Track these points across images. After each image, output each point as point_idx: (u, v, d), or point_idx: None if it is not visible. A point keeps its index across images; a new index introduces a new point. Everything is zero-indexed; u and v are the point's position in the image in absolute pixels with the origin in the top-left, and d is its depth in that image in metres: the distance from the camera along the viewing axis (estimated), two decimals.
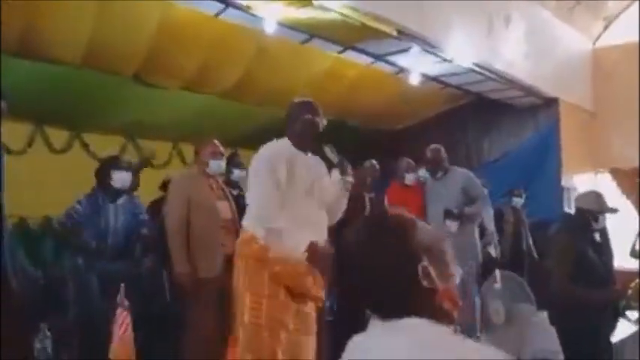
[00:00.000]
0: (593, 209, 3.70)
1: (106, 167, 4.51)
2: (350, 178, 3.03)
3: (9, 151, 6.45)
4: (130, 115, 6.89)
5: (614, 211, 3.89)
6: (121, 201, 4.45)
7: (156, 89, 6.32)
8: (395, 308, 1.16)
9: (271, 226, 2.83)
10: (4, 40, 4.84)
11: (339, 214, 3.14)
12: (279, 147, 2.99)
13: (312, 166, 3.04)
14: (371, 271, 1.19)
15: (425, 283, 1.16)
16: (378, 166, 5.17)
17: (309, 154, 3.05)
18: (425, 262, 1.17)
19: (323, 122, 3.05)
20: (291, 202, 2.87)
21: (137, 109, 6.74)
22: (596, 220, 3.69)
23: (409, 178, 5.38)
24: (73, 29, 5.03)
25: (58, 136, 6.89)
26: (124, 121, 7.01)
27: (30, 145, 6.65)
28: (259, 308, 2.79)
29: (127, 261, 4.38)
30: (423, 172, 5.56)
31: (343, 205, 3.12)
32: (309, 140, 3.01)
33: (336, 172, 2.99)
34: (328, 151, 2.98)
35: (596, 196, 3.88)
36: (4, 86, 5.20)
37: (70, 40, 5.15)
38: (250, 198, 2.96)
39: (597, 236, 3.85)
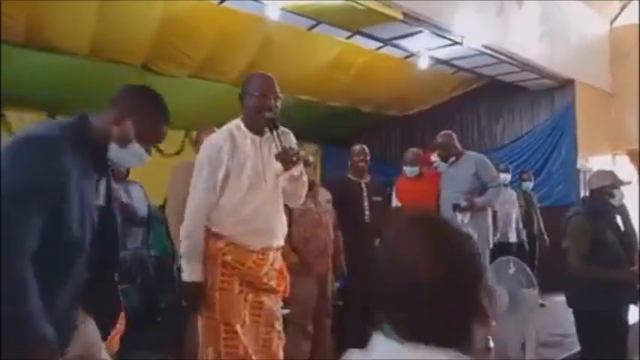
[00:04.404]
0: (605, 185, 3.66)
1: None
2: (296, 171, 2.63)
3: None
4: None
5: (627, 183, 3.84)
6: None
7: (165, 78, 6.34)
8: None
9: (224, 219, 2.64)
10: (12, 32, 4.89)
11: (299, 199, 2.87)
12: (227, 132, 2.67)
13: (263, 149, 2.70)
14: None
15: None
16: (367, 150, 5.00)
17: (265, 135, 2.70)
18: None
19: (277, 99, 2.67)
20: (240, 192, 2.64)
21: None
22: (612, 195, 3.64)
23: (411, 171, 5.31)
24: (76, 20, 5.06)
25: None
26: None
27: None
28: (213, 302, 2.62)
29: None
30: (435, 158, 5.47)
31: (301, 191, 2.81)
32: (260, 120, 2.65)
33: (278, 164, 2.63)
34: (276, 135, 2.61)
35: (607, 173, 3.84)
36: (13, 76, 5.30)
37: (75, 30, 5.19)
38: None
39: (617, 217, 3.79)
